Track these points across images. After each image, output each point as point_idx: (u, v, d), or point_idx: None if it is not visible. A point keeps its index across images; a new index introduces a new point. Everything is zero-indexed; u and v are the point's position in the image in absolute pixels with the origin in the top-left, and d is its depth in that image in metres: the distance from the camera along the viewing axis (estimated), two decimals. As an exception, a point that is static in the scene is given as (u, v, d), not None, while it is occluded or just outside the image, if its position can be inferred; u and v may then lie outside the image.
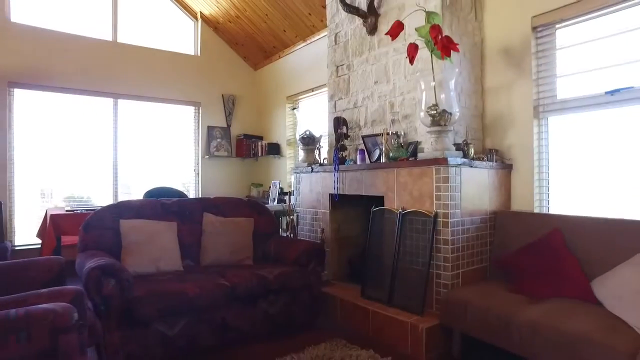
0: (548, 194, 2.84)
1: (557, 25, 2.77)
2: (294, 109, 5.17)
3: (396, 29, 2.32)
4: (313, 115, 5.04)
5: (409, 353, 2.38)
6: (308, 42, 5.02)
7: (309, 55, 5.03)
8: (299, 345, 2.49)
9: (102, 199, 5.22)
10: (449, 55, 2.21)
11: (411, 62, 2.34)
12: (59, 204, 5.01)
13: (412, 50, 2.30)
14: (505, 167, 2.91)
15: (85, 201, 5.23)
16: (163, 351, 2.27)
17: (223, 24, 5.75)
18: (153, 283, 2.40)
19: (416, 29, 2.30)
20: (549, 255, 2.32)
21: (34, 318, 1.33)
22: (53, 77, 4.78)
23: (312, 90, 4.98)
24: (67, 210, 4.35)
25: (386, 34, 2.39)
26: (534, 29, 2.83)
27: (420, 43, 2.41)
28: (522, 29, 2.88)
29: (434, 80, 2.45)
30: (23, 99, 4.68)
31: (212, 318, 2.44)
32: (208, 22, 5.87)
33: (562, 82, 2.77)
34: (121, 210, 2.86)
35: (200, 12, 5.77)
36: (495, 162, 2.84)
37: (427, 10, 2.31)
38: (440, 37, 2.14)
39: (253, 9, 5.11)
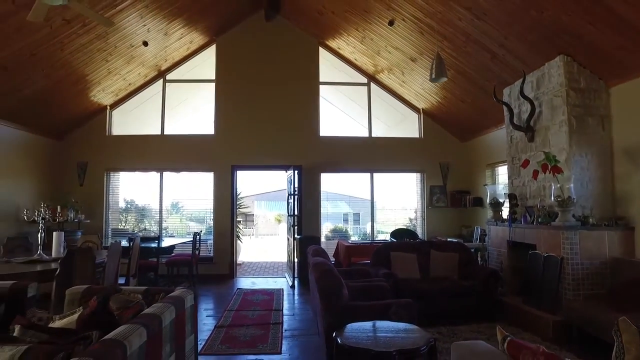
0: (661, 247, 4.24)
1: (661, 136, 4.24)
2: (485, 185, 7.25)
3: (525, 163, 4.43)
4: (502, 177, 7.03)
5: (543, 334, 4.31)
6: (498, 128, 7.10)
7: (499, 137, 7.08)
8: (480, 322, 4.73)
9: (360, 232, 8.60)
10: (559, 173, 4.18)
11: (534, 178, 4.40)
12: (328, 234, 8.74)
13: (535, 174, 4.36)
14: (629, 229, 4.44)
15: (344, 233, 8.70)
16: (413, 314, 4.91)
17: (438, 114, 8.37)
18: (406, 282, 5.09)
19: (537, 162, 4.34)
20: (638, 287, 3.91)
21: (380, 286, 4.15)
22: (339, 163, 8.34)
23: (503, 162, 7.00)
24: (350, 242, 7.67)
25: (520, 166, 4.51)
26: (646, 137, 4.35)
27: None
28: (638, 137, 4.42)
29: (558, 183, 4.39)
30: (325, 178, 8.41)
31: (435, 302, 4.96)
32: (427, 113, 8.61)
33: (666, 174, 4.19)
34: (389, 247, 5.74)
35: (422, 108, 8.57)
36: (617, 225, 4.43)
37: (546, 151, 4.34)
38: (548, 169, 4.15)
39: (458, 108, 7.57)
